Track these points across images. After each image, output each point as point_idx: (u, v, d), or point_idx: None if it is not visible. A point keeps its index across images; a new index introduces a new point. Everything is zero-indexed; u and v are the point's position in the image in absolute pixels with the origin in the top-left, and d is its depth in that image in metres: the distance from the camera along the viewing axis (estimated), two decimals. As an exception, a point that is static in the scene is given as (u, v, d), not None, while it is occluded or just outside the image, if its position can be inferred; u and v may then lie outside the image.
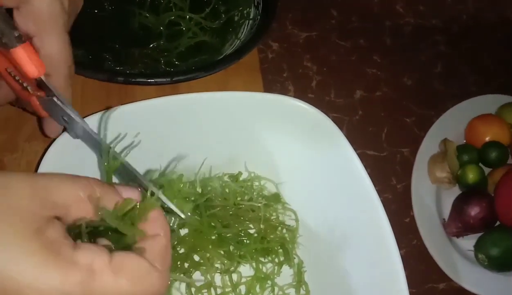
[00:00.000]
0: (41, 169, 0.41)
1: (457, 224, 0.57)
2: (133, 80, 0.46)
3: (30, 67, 0.35)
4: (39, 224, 0.23)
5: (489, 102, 0.66)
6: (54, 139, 0.43)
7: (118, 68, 0.54)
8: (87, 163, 0.44)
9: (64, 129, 0.41)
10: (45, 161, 0.42)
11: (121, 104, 0.45)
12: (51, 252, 0.22)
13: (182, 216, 0.33)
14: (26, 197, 0.23)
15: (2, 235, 0.22)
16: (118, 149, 0.46)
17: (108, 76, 0.46)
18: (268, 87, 0.59)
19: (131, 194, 0.28)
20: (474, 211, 0.55)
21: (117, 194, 0.27)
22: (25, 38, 0.35)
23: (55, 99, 0.37)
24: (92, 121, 0.43)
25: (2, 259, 0.21)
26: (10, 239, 0.22)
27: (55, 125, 0.41)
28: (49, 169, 0.41)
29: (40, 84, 0.37)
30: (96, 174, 0.45)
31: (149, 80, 0.47)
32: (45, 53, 0.36)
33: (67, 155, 0.42)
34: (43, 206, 0.23)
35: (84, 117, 0.43)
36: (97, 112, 0.44)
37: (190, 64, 0.56)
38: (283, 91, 0.49)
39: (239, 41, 0.57)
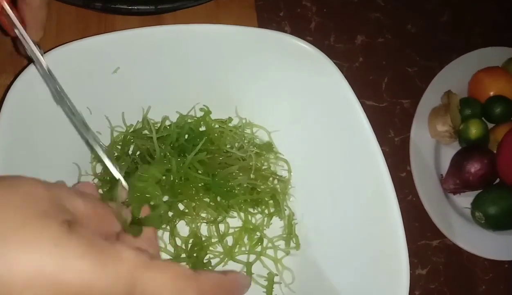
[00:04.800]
0: (6, 104, 0.37)
1: (455, 180, 0.55)
2: (112, 6, 0.41)
3: None
4: (66, 224, 0.21)
5: (495, 55, 0.62)
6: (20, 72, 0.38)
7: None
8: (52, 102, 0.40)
9: None
10: (10, 94, 0.37)
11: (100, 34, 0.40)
12: (98, 249, 0.21)
13: (117, 176, 0.32)
14: (46, 199, 0.22)
15: (39, 237, 0.20)
16: (93, 84, 0.42)
17: (84, 0, 0.40)
18: (263, 27, 0.54)
19: (128, 213, 0.28)
20: (474, 167, 0.53)
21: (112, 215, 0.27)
22: None
23: (18, 28, 0.33)
24: (65, 51, 0.39)
25: (54, 262, 0.20)
26: (44, 235, 0.20)
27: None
28: (15, 103, 0.37)
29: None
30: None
31: (130, 8, 0.42)
32: None
33: (33, 89, 0.38)
34: (61, 210, 0.22)
35: (58, 46, 0.39)
36: (72, 41, 0.39)
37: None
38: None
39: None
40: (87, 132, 0.33)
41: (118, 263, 0.21)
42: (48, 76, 0.34)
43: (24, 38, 0.34)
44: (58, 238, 0.20)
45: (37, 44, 0.35)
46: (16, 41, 0.38)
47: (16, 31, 0.34)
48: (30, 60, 0.36)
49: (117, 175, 0.31)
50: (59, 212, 0.22)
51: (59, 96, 0.34)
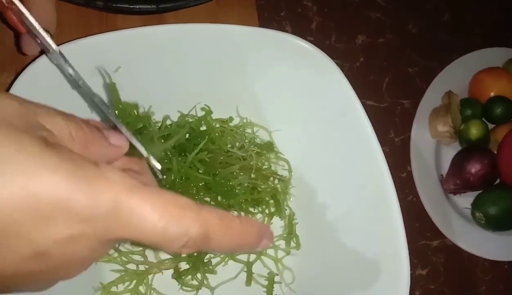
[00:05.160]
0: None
1: (456, 180, 0.55)
2: (114, 5, 0.41)
3: None
4: (42, 140, 0.19)
5: (496, 55, 0.63)
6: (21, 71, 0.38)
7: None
8: (56, 97, 0.39)
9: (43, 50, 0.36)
10: (11, 92, 0.37)
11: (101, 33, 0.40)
12: (76, 165, 0.18)
13: (145, 154, 0.31)
14: (16, 114, 0.19)
15: (8, 148, 0.17)
16: (95, 83, 0.41)
17: (85, -1, 0.40)
18: (264, 26, 0.54)
19: (118, 141, 0.26)
20: (475, 168, 0.53)
21: (105, 139, 0.24)
22: None
23: (28, 17, 0.33)
24: (66, 50, 0.38)
25: (21, 176, 0.17)
26: (22, 151, 0.17)
27: (32, 43, 0.36)
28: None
29: None
30: (66, 105, 0.40)
31: (132, 7, 0.42)
32: None
33: (35, 88, 0.38)
34: (36, 126, 0.19)
35: (59, 45, 0.39)
36: (73, 40, 0.39)
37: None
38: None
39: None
40: (109, 112, 0.32)
41: (100, 183, 0.18)
42: (63, 62, 0.34)
43: (34, 26, 0.33)
44: (30, 152, 0.17)
45: (47, 31, 0.34)
46: (20, 39, 0.37)
47: (25, 21, 0.33)
48: (33, 59, 0.36)
49: (143, 151, 0.31)
50: (33, 127, 0.19)
51: (75, 82, 0.34)
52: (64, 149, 0.19)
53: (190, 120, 0.46)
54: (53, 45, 0.34)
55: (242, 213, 0.45)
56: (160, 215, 0.19)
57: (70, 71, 0.34)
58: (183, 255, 0.43)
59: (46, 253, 0.18)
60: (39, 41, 0.34)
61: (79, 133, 0.22)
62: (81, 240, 0.19)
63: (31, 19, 0.33)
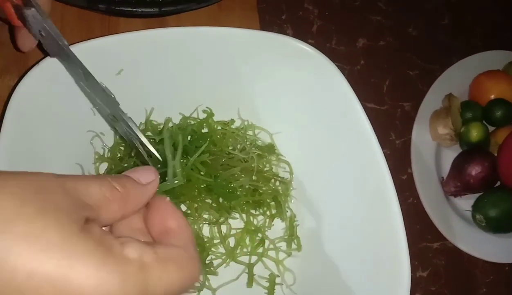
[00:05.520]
0: (11, 105, 0.37)
1: (456, 183, 0.55)
2: (116, 8, 0.41)
3: None
4: (82, 221, 0.20)
5: (496, 58, 0.63)
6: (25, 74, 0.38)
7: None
8: (59, 100, 0.40)
9: (39, 44, 0.37)
10: (15, 95, 0.37)
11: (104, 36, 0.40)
12: (106, 251, 0.20)
13: (159, 157, 0.31)
14: (60, 193, 0.21)
15: (47, 231, 0.19)
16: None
17: (88, 2, 0.41)
18: (265, 29, 0.55)
19: (148, 176, 0.26)
20: (475, 170, 0.53)
21: (138, 184, 0.25)
22: None
23: (33, 10, 0.33)
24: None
25: (57, 261, 0.19)
26: (58, 236, 0.19)
27: (29, 38, 0.36)
28: (20, 104, 0.37)
29: None
30: (69, 108, 0.41)
31: (134, 10, 0.42)
32: None
33: (38, 91, 0.38)
34: (78, 205, 0.21)
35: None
36: (75, 43, 0.39)
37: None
38: (282, 35, 0.44)
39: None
40: (119, 110, 0.33)
41: (128, 268, 0.20)
42: (71, 57, 0.34)
43: (41, 15, 0.33)
44: (67, 237, 0.19)
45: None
46: (15, 34, 0.37)
47: (27, 12, 0.33)
48: (36, 61, 0.36)
49: (153, 151, 0.31)
50: (76, 207, 0.21)
51: (83, 78, 0.34)
52: (96, 229, 0.21)
53: (192, 122, 0.46)
54: (61, 38, 0.34)
55: (244, 215, 0.45)
56: (177, 286, 0.22)
57: (79, 68, 0.34)
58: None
59: None
60: (42, 34, 0.34)
61: (113, 193, 0.23)
62: None
63: (41, 14, 0.33)
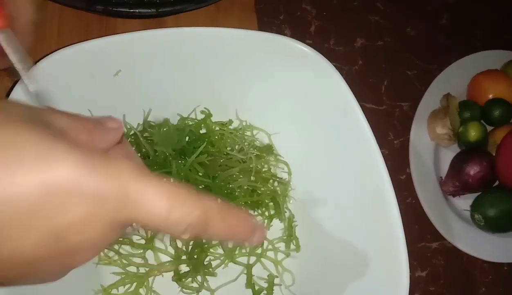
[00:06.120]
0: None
1: (455, 182, 0.55)
2: (114, 10, 0.41)
3: None
4: (52, 132, 0.20)
5: (494, 58, 0.63)
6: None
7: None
8: (55, 102, 0.40)
9: None
10: (12, 97, 0.37)
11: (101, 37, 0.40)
12: (87, 153, 0.20)
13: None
14: (26, 114, 0.20)
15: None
16: (95, 87, 0.42)
17: (86, 3, 0.41)
18: (263, 30, 0.55)
19: (115, 123, 0.26)
20: (473, 170, 0.53)
21: (103, 126, 0.26)
22: None
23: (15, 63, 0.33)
24: (66, 54, 0.39)
25: (41, 165, 0.18)
26: (39, 143, 0.19)
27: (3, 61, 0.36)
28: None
29: None
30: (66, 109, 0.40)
31: (132, 11, 0.42)
32: None
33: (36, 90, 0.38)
34: (44, 122, 0.21)
35: (61, 48, 0.39)
36: (73, 43, 0.39)
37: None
38: (279, 35, 0.44)
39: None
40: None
41: (109, 168, 0.20)
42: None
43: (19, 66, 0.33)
44: (45, 143, 0.19)
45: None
46: None
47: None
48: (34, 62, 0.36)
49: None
50: (42, 123, 0.20)
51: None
52: (72, 139, 0.21)
53: (190, 123, 0.46)
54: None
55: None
56: (165, 200, 0.21)
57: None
58: (183, 257, 0.43)
59: (62, 234, 0.20)
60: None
61: (82, 124, 0.23)
62: (93, 223, 0.20)
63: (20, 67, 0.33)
